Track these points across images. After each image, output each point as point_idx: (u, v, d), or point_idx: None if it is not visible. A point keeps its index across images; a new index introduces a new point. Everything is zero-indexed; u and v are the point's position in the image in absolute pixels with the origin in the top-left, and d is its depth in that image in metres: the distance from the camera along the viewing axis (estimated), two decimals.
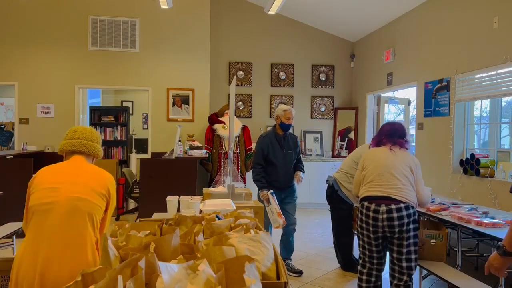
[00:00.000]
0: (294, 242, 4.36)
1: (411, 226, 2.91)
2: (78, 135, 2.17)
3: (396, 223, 2.87)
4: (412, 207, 2.94)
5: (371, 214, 2.94)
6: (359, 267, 3.19)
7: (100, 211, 2.03)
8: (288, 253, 4.34)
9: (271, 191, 4.01)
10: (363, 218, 3.01)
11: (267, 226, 4.15)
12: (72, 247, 1.91)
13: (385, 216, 2.88)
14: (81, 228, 1.94)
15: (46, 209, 1.94)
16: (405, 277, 2.95)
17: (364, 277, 3.10)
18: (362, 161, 3.20)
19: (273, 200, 3.90)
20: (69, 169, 2.07)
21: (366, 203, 3.00)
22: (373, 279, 3.08)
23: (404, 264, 2.93)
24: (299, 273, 4.23)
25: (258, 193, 4.19)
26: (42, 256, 1.88)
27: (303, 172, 4.39)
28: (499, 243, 1.84)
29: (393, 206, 2.87)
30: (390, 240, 2.96)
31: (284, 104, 8.33)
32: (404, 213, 2.88)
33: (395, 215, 2.86)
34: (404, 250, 2.92)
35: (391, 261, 3.03)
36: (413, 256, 2.95)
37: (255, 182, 4.21)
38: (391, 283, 3.06)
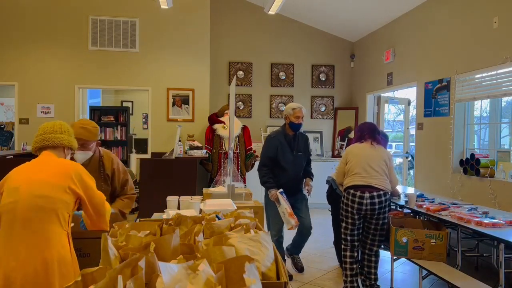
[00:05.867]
0: (305, 244, 4.27)
1: (387, 208, 3.62)
2: (41, 131, 2.21)
3: (376, 206, 3.51)
4: (388, 193, 3.60)
5: (356, 199, 3.53)
6: (343, 247, 3.70)
7: (67, 205, 2.04)
8: (297, 251, 4.31)
9: (280, 190, 3.82)
10: (349, 203, 3.57)
11: (269, 226, 4.07)
12: (35, 245, 1.94)
13: (368, 201, 3.49)
14: (44, 225, 1.97)
15: (9, 209, 1.99)
16: (375, 248, 3.70)
17: (348, 253, 3.67)
18: (346, 155, 3.73)
19: (283, 200, 3.75)
20: (33, 167, 2.10)
21: (352, 191, 3.56)
22: (355, 254, 3.70)
23: (377, 238, 3.67)
24: (300, 270, 4.26)
25: (265, 196, 4.06)
26: (7, 256, 1.93)
27: (312, 177, 4.20)
28: None
29: (374, 193, 3.50)
30: (369, 220, 3.61)
31: (285, 104, 8.33)
32: (383, 198, 3.53)
33: (376, 200, 3.50)
34: (379, 227, 3.62)
35: (365, 236, 3.70)
36: (384, 232, 3.65)
37: (263, 185, 4.00)
38: (362, 253, 3.76)
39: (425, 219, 3.93)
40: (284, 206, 3.74)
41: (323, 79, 8.47)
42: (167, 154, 6.40)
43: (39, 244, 1.94)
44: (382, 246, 3.88)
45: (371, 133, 3.68)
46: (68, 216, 2.06)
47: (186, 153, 6.56)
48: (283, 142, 3.99)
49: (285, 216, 3.72)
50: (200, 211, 2.67)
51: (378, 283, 3.73)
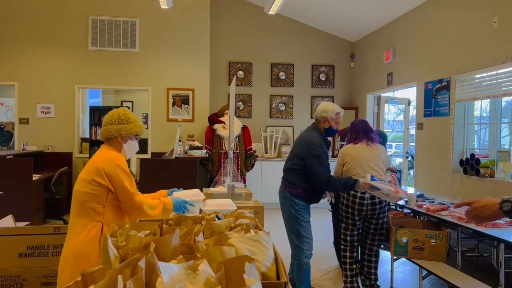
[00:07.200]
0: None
1: (386, 208, 3.63)
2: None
3: (377, 206, 3.51)
4: None
5: (357, 200, 3.51)
6: (342, 247, 3.69)
7: (96, 197, 2.12)
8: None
9: (368, 175, 3.27)
10: (350, 204, 3.55)
11: (300, 242, 3.36)
12: (69, 236, 2.17)
13: (369, 201, 3.49)
14: (74, 217, 2.17)
15: None
16: (375, 248, 3.71)
17: (348, 254, 3.67)
18: (342, 157, 3.71)
19: (380, 183, 3.19)
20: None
21: (352, 192, 3.51)
22: (354, 255, 3.70)
23: (377, 237, 3.68)
24: None
25: (288, 207, 3.39)
26: None
27: None
28: (507, 197, 1.58)
29: None
30: (369, 220, 3.61)
31: (285, 104, 8.33)
32: None
33: (377, 200, 3.47)
34: (379, 227, 3.63)
35: (365, 236, 3.70)
36: (383, 232, 3.67)
37: (345, 188, 3.34)
38: (362, 253, 3.75)
39: (425, 219, 3.93)
40: (386, 189, 3.14)
41: (323, 79, 8.47)
42: (167, 154, 6.40)
43: (69, 235, 2.16)
44: (382, 246, 3.88)
45: (365, 133, 3.72)
46: (102, 207, 2.13)
47: (186, 153, 6.56)
48: (326, 149, 3.40)
49: (392, 196, 3.17)
50: (200, 211, 2.67)
51: (378, 283, 3.74)
